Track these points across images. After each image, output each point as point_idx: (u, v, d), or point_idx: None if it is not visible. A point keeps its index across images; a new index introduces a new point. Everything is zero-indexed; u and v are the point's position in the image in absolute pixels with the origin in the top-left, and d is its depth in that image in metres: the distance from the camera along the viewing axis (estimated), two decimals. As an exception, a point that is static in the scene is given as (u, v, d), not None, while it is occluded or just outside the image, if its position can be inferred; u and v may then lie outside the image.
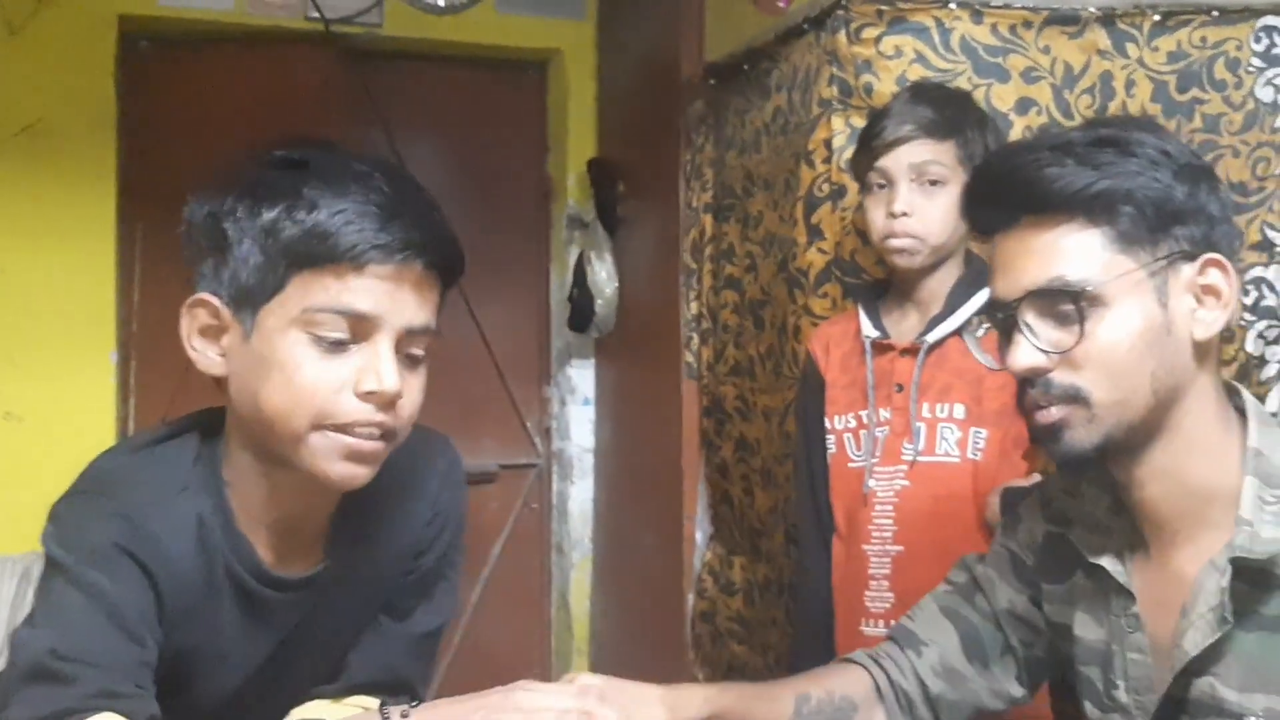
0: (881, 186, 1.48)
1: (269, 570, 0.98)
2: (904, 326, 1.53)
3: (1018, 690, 1.10)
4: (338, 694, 1.05)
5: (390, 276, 0.89)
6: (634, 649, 2.74)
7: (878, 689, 1.09)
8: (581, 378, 2.96)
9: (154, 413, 2.56)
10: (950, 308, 1.48)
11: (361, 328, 0.89)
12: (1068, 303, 0.89)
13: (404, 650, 1.08)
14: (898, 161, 1.46)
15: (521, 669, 3.26)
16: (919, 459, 1.47)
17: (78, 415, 2.44)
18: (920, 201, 1.44)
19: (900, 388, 1.49)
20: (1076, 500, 1.03)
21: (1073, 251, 0.90)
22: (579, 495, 2.95)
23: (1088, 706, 1.02)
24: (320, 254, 0.87)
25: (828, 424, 1.56)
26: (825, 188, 1.83)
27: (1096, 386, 0.90)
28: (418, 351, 0.93)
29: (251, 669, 1.01)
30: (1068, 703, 1.11)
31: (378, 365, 0.89)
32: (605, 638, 2.89)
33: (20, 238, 2.44)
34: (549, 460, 3.02)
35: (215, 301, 0.91)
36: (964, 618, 1.10)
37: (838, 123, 1.81)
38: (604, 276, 2.76)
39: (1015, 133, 1.71)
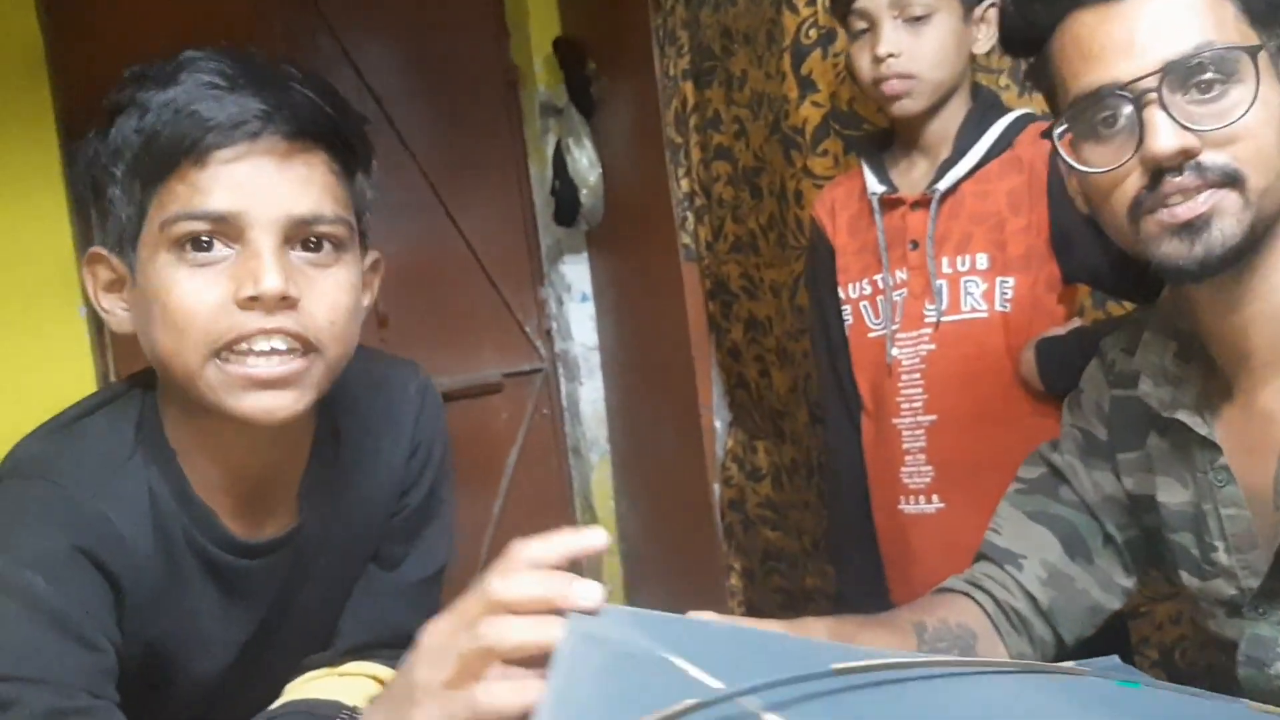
0: (864, 30, 1.33)
1: (236, 537, 0.87)
2: (913, 177, 1.39)
3: (1126, 580, 1.01)
4: (333, 660, 0.94)
5: (243, 159, 0.75)
6: (664, 545, 2.68)
7: (987, 615, 0.99)
8: (576, 274, 2.83)
9: (137, 363, 2.47)
10: (960, 149, 1.34)
11: (229, 230, 0.76)
12: (1215, 72, 0.78)
13: (400, 602, 0.96)
14: (875, 0, 1.30)
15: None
16: (943, 320, 1.35)
17: (53, 374, 2.35)
18: (907, 39, 1.30)
19: (915, 244, 1.36)
20: (1139, 354, 0.93)
21: (1210, 16, 0.80)
22: (589, 395, 2.86)
23: (1184, 577, 0.93)
24: (160, 160, 0.75)
25: (841, 293, 1.43)
26: (812, 34, 1.67)
27: (1252, 167, 0.79)
28: (323, 245, 0.79)
29: (236, 649, 0.90)
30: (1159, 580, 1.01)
31: (253, 265, 0.75)
32: (634, 537, 2.83)
33: (-40, 195, 2.32)
34: (553, 363, 2.92)
35: (103, 252, 0.81)
36: (1055, 517, 1.00)
37: (818, -41, 1.64)
38: (585, 164, 2.60)
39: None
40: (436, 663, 0.58)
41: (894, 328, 1.38)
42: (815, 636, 0.86)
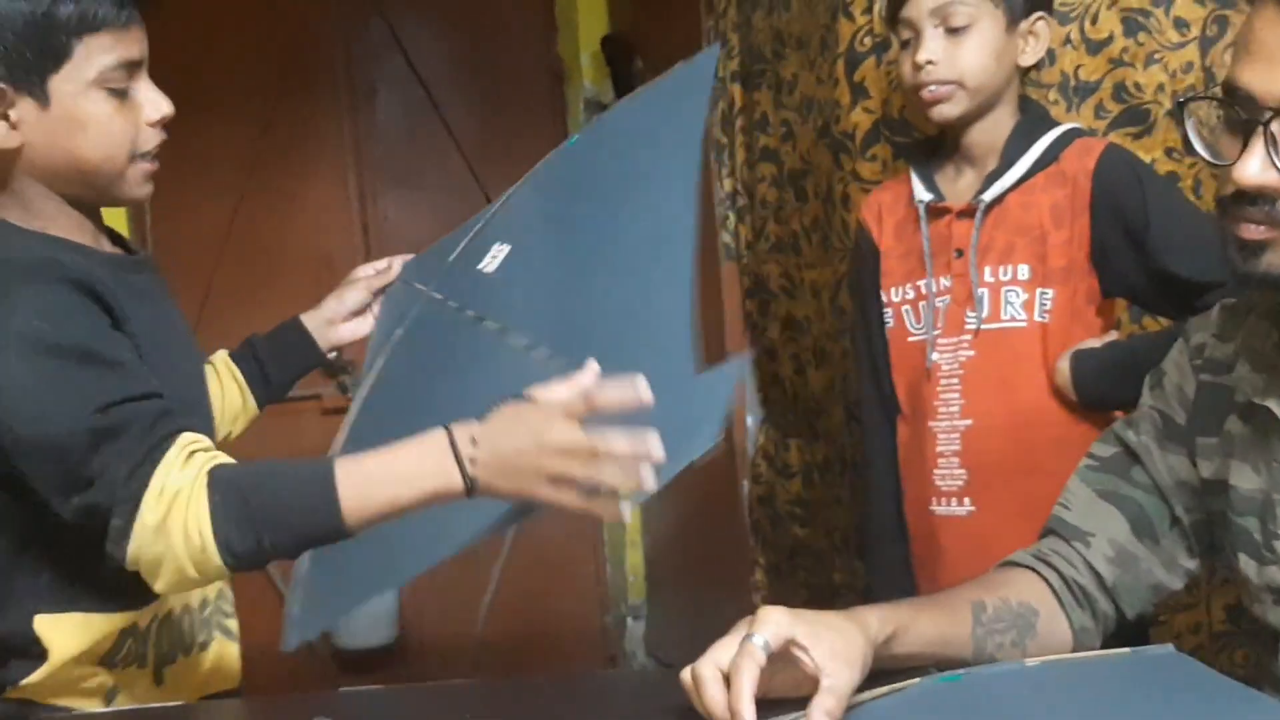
0: (907, 41, 1.38)
1: (111, 252, 1.10)
2: (959, 186, 1.42)
3: (1190, 562, 1.03)
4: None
5: (137, 25, 1.04)
6: (690, 539, 2.72)
7: (1053, 590, 1.01)
8: (614, 266, 2.87)
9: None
10: (1007, 161, 1.37)
11: (134, 72, 1.04)
12: None
13: None
14: (918, 8, 1.35)
15: (575, 564, 3.29)
16: (983, 327, 1.38)
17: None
18: (947, 48, 1.34)
19: (960, 253, 1.39)
20: (1240, 338, 0.95)
21: None
22: (622, 387, 2.89)
23: (1242, 560, 0.95)
24: (96, 23, 1.00)
25: (884, 296, 1.47)
26: (867, 41, 1.70)
27: None
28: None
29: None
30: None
31: (155, 97, 1.06)
32: (659, 530, 2.87)
33: None
34: (588, 354, 2.95)
35: None
36: (1125, 497, 1.02)
37: (875, -32, 1.67)
38: (629, 159, 2.64)
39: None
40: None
41: (935, 333, 1.41)
42: (870, 624, 0.86)
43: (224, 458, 0.94)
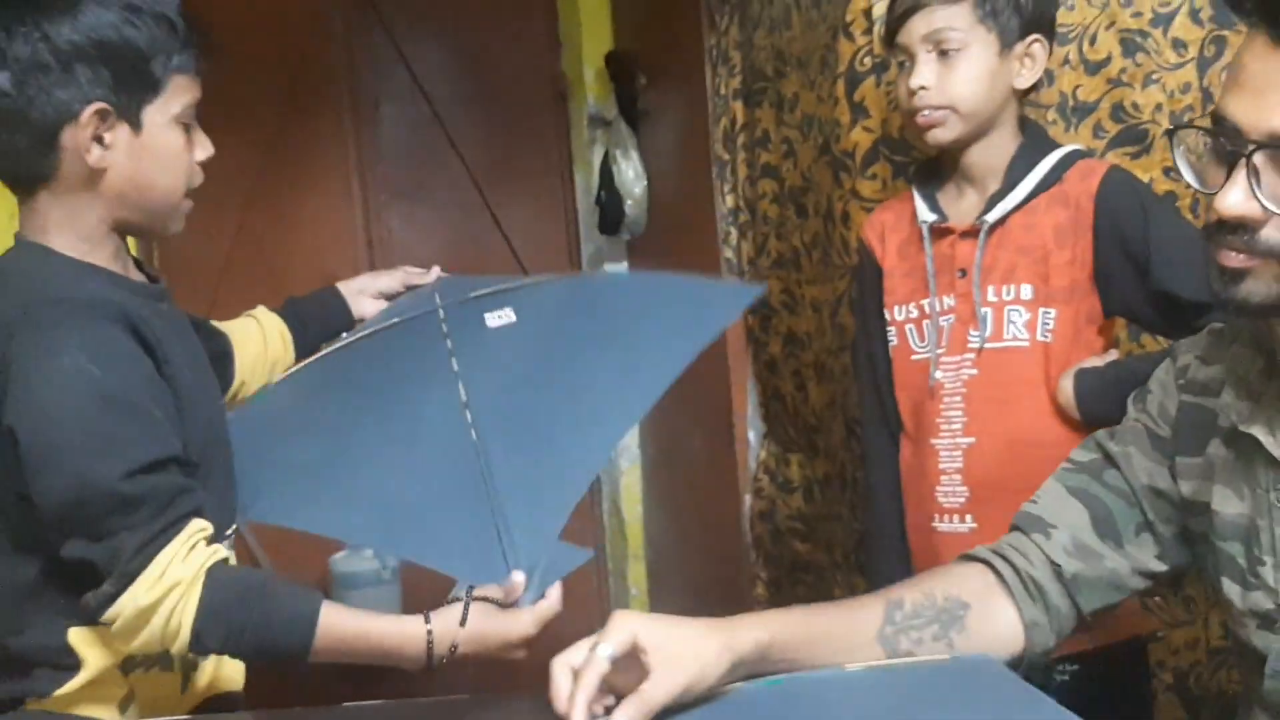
0: (903, 63, 1.40)
1: (142, 283, 1.14)
2: (962, 207, 1.44)
3: (1159, 566, 1.03)
4: None
5: (199, 73, 1.13)
6: (691, 553, 2.73)
7: (1001, 579, 1.01)
8: (617, 281, 2.89)
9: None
10: (1010, 182, 1.39)
11: (195, 115, 1.12)
12: None
13: None
14: (911, 34, 1.37)
15: (577, 577, 3.28)
16: (986, 346, 1.40)
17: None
18: (940, 73, 1.36)
19: (963, 273, 1.41)
20: (1227, 365, 0.96)
21: None
22: (623, 401, 2.91)
23: (1225, 584, 0.95)
24: (186, 61, 1.09)
25: (888, 315, 1.48)
26: (867, 61, 1.72)
27: None
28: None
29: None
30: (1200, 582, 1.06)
31: (203, 139, 1.14)
32: (661, 544, 2.88)
33: None
34: (590, 368, 2.97)
35: (105, 106, 1.05)
36: (1094, 496, 1.03)
37: (876, -11, 1.69)
38: (632, 175, 2.66)
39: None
40: None
41: (939, 352, 1.42)
42: (738, 634, 0.88)
43: (223, 553, 1.01)
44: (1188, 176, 0.87)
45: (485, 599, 1.05)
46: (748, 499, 2.34)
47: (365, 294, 1.47)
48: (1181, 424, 1.00)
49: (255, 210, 2.74)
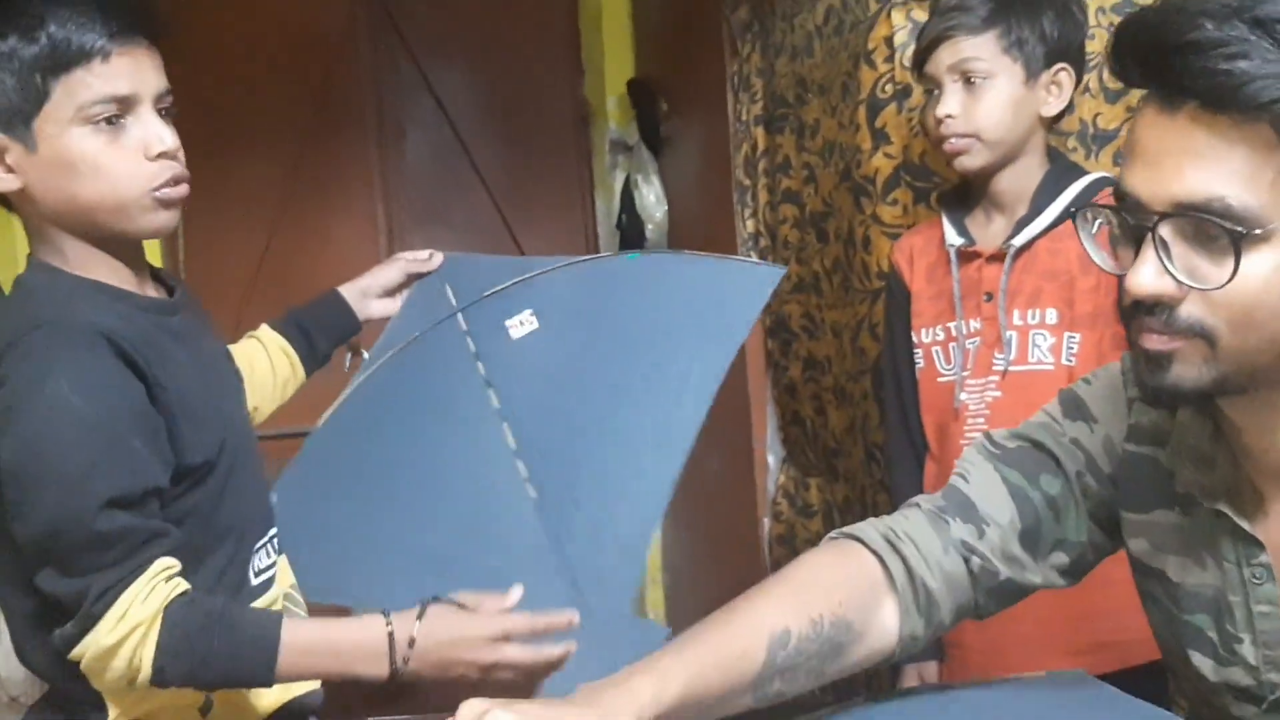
0: (931, 91, 1.43)
1: (153, 296, 1.10)
2: (990, 231, 1.46)
3: (1062, 582, 0.96)
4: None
5: (126, 55, 1.01)
6: (709, 576, 2.73)
7: (890, 581, 0.89)
8: (636, 305, 2.91)
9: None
10: (1036, 209, 1.41)
11: (126, 105, 1.01)
12: (1224, 235, 0.72)
13: None
14: (938, 64, 1.40)
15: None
16: (1011, 369, 1.41)
17: None
18: (966, 102, 1.39)
19: (989, 296, 1.42)
20: (1175, 436, 0.88)
21: (1244, 170, 0.71)
22: (642, 425, 2.92)
23: (1195, 656, 0.88)
24: (69, 59, 0.99)
25: (915, 338, 1.50)
26: (889, 89, 1.74)
27: (1229, 330, 0.75)
28: (168, 108, 1.06)
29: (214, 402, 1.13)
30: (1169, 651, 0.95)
31: (155, 130, 1.03)
32: (679, 567, 2.88)
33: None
34: (608, 391, 2.98)
35: None
36: (1028, 500, 0.93)
37: (898, 18, 1.72)
38: (653, 200, 2.69)
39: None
40: None
41: (964, 374, 1.44)
42: (641, 697, 0.77)
43: (184, 586, 0.99)
44: (1096, 259, 0.82)
45: (450, 601, 1.04)
46: (766, 522, 2.35)
47: (370, 295, 1.40)
48: (1127, 475, 0.92)
49: (281, 232, 2.78)
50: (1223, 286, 0.73)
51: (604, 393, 1.29)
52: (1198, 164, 0.73)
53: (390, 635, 1.00)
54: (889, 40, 1.73)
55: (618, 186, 2.80)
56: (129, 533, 0.96)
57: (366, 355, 1.43)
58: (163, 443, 1.02)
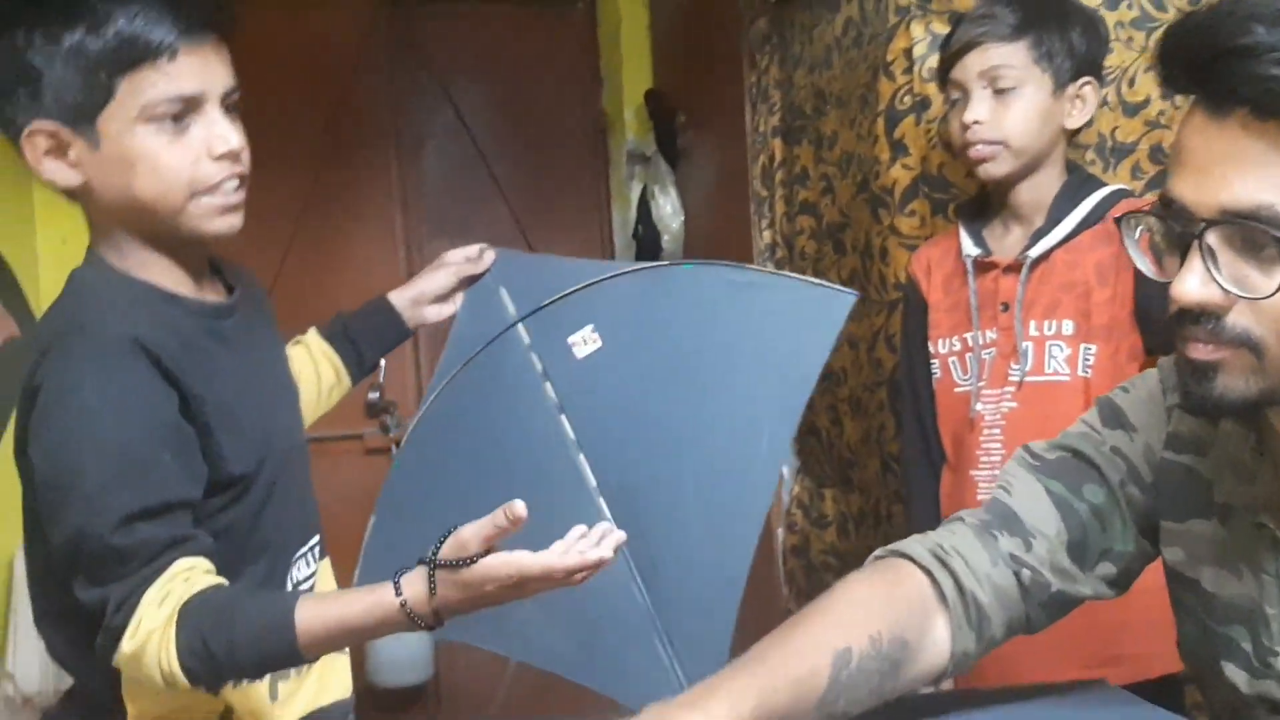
0: (957, 99, 1.43)
1: (205, 300, 1.08)
2: (1007, 242, 1.46)
3: (1110, 592, 0.95)
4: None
5: (194, 53, 1.00)
6: (723, 585, 2.72)
7: (941, 596, 0.88)
8: (652, 315, 2.92)
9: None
10: (1053, 220, 1.42)
11: (192, 104, 1.00)
12: (1272, 243, 0.71)
13: None
14: (966, 70, 1.40)
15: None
16: (1026, 379, 1.41)
17: None
18: (994, 109, 1.39)
19: (1006, 307, 1.43)
20: (1217, 447, 0.88)
21: None
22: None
23: (1228, 668, 0.88)
24: (136, 57, 0.97)
25: (931, 348, 1.50)
26: (907, 100, 1.75)
27: (1277, 341, 0.74)
28: (234, 105, 1.05)
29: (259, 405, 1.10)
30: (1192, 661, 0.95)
31: (220, 130, 1.01)
32: (692, 575, 2.87)
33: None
34: (624, 402, 2.99)
35: (50, 125, 0.99)
36: (1074, 511, 0.92)
37: (917, 29, 1.72)
38: (669, 211, 2.70)
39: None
40: None
41: (980, 384, 1.44)
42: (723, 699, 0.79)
43: (198, 585, 0.95)
44: (1141, 266, 0.81)
45: (446, 563, 0.94)
46: (781, 533, 2.35)
47: (422, 302, 1.37)
48: (1165, 484, 0.92)
49: (300, 244, 2.80)
50: (1271, 296, 0.72)
51: (676, 430, 1.23)
52: (1246, 171, 0.72)
53: (404, 605, 0.94)
54: (908, 52, 1.74)
55: (634, 197, 2.82)
56: (148, 543, 0.95)
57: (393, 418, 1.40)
58: (194, 455, 1.00)
